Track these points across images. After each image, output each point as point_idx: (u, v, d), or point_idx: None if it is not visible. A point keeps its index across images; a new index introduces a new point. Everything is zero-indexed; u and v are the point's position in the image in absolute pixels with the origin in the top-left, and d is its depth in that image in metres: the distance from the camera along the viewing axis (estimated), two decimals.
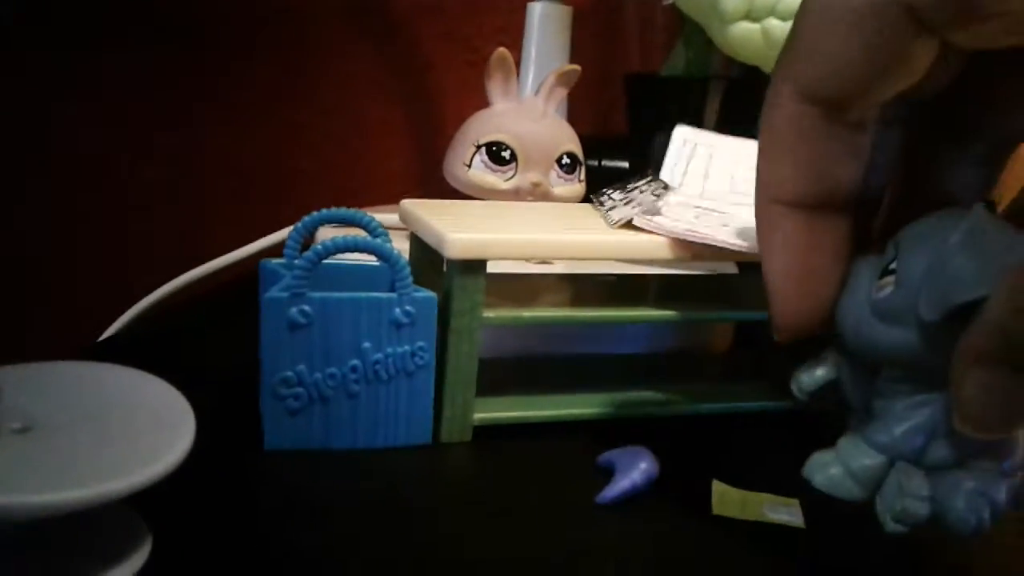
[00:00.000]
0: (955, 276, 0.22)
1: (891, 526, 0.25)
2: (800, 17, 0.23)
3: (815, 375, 0.28)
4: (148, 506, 0.27)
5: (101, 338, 0.48)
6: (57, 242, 0.58)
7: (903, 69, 0.22)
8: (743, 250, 0.35)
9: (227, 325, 0.45)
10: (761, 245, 0.25)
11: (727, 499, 0.32)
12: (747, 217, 0.36)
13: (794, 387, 0.29)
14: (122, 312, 0.49)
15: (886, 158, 0.26)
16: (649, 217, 0.37)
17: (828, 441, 0.36)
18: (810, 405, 0.29)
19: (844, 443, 0.27)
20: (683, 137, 0.42)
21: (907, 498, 0.25)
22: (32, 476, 0.23)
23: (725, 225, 0.37)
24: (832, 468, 0.26)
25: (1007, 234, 0.22)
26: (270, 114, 0.65)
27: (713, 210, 0.39)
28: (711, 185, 0.40)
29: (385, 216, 0.39)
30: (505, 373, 0.40)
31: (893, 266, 0.24)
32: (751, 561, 0.29)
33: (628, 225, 0.37)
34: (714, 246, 0.35)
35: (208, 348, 0.44)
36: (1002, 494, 0.24)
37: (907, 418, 0.25)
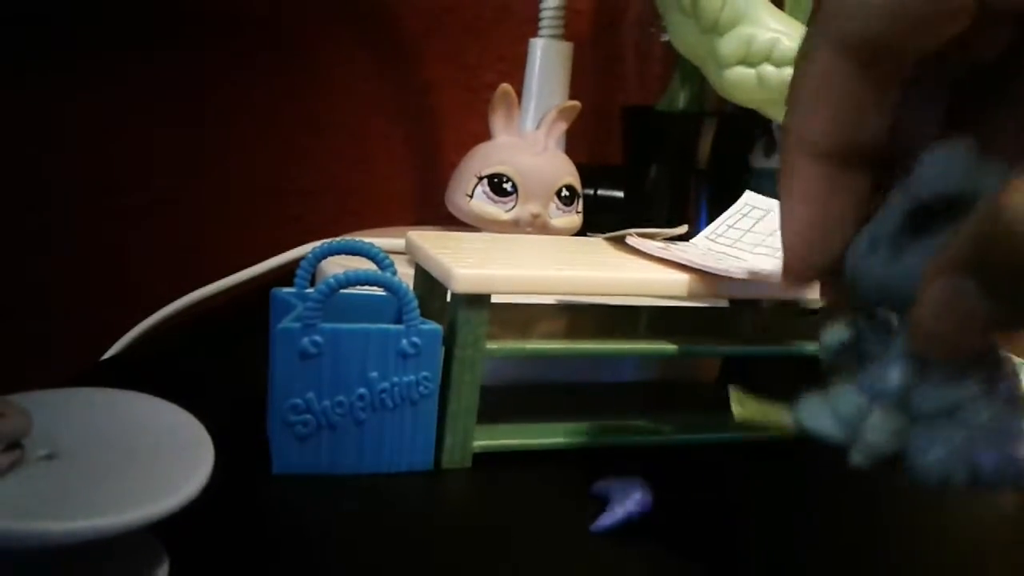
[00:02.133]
0: (928, 174, 0.22)
1: (855, 457, 0.25)
2: None
3: (835, 333, 0.27)
4: (163, 528, 0.28)
5: (104, 357, 0.49)
6: (60, 261, 0.59)
7: (939, 19, 0.22)
8: (734, 276, 0.37)
9: (231, 346, 0.46)
10: (781, 193, 0.25)
11: (747, 405, 0.32)
12: (762, 264, 0.38)
13: (820, 351, 0.28)
14: (125, 332, 0.50)
15: (924, 119, 0.25)
16: (644, 239, 0.39)
17: (818, 472, 0.38)
18: (836, 365, 0.28)
19: (834, 386, 0.27)
20: (746, 201, 0.43)
21: (874, 431, 0.24)
22: (57, 504, 0.24)
23: (736, 261, 0.38)
24: (817, 408, 0.26)
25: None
26: (273, 135, 0.66)
27: (734, 256, 0.40)
28: (747, 238, 0.41)
29: (388, 241, 0.40)
30: (503, 400, 0.41)
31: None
32: None
33: (627, 251, 0.39)
34: (712, 282, 0.37)
35: (212, 370, 0.45)
36: (988, 458, 0.23)
37: (893, 360, 0.25)
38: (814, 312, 0.49)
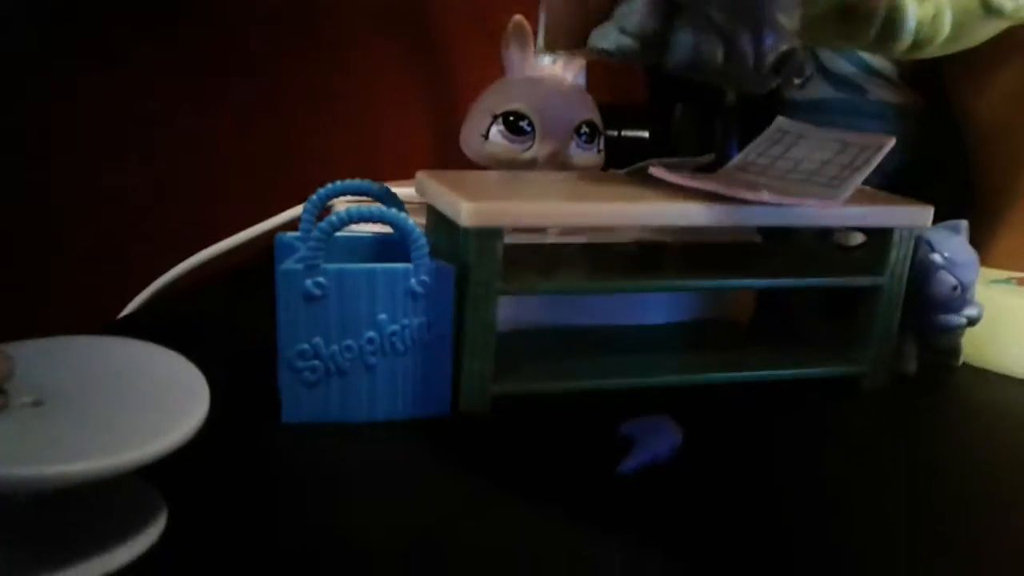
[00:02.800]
0: None
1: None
2: None
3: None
4: (166, 479, 0.27)
5: (120, 316, 0.48)
6: (75, 221, 0.58)
7: None
8: (750, 199, 0.34)
9: (245, 301, 0.45)
10: None
11: None
12: (794, 189, 0.36)
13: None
14: (141, 290, 0.49)
15: None
16: (665, 170, 0.36)
17: (852, 404, 0.36)
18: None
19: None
20: (778, 126, 0.41)
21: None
22: (42, 449, 0.22)
23: (766, 188, 0.36)
24: (610, 32, 0.28)
25: None
26: (287, 92, 0.65)
27: (764, 183, 0.38)
28: (778, 164, 0.39)
29: (401, 190, 0.38)
30: (525, 345, 0.39)
31: None
32: (773, 530, 0.28)
33: (649, 183, 0.37)
34: (739, 209, 0.35)
35: (227, 324, 0.43)
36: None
37: None
38: (853, 247, 0.47)
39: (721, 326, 0.45)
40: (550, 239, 0.45)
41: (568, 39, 0.33)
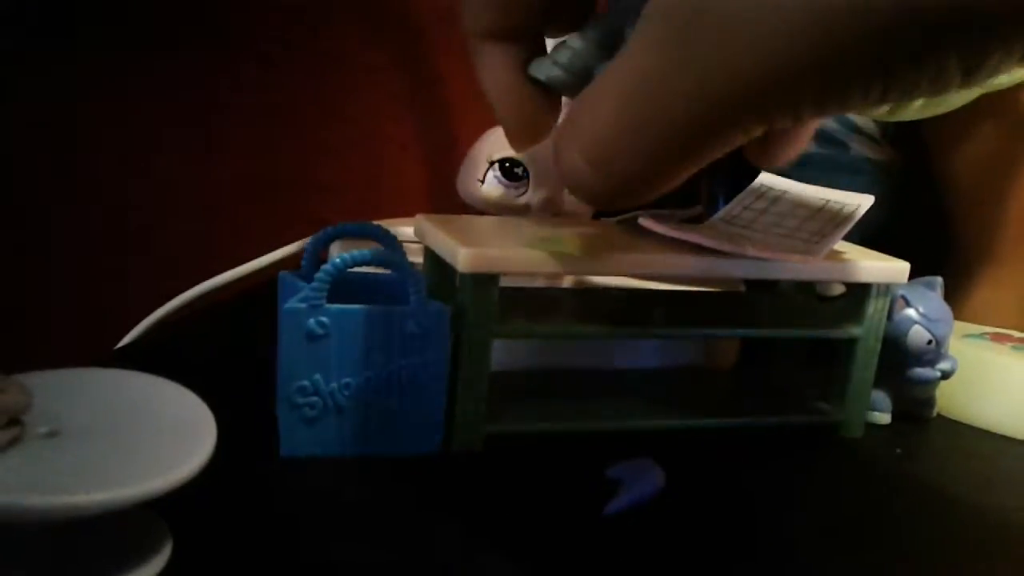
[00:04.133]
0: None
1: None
2: None
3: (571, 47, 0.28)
4: (169, 509, 0.28)
5: (119, 345, 0.49)
6: (78, 248, 0.59)
7: None
8: (748, 256, 0.36)
9: (244, 334, 0.46)
10: (477, 70, 0.27)
11: None
12: (778, 244, 0.37)
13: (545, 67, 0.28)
14: (140, 319, 0.50)
15: None
16: (656, 221, 0.38)
17: (828, 452, 0.37)
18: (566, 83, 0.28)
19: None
20: (763, 182, 0.43)
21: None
22: (58, 479, 0.23)
23: (751, 243, 0.37)
24: (541, 61, 0.28)
25: None
26: (286, 129, 0.66)
27: (748, 237, 0.39)
28: (762, 219, 0.41)
29: (401, 229, 0.40)
30: (517, 385, 0.40)
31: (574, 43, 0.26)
32: (749, 570, 0.30)
33: (639, 233, 0.38)
34: (726, 262, 0.36)
35: (225, 356, 0.44)
36: None
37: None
38: (833, 298, 0.48)
39: (705, 373, 0.46)
40: (540, 282, 0.47)
41: None
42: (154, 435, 0.26)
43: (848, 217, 0.39)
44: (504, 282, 0.35)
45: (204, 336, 0.48)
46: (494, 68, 0.27)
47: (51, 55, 0.57)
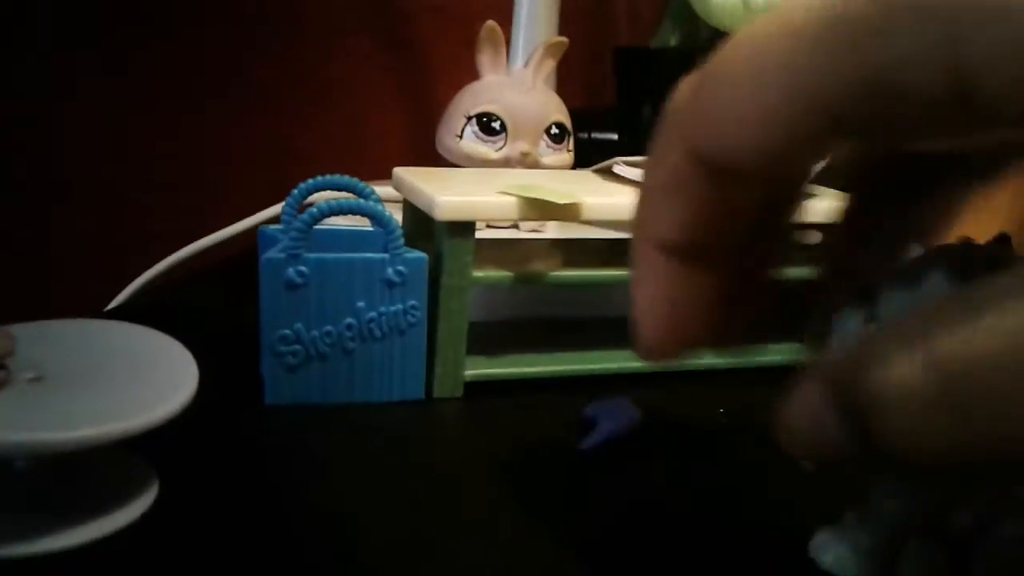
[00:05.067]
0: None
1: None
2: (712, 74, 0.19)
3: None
4: (156, 454, 0.28)
5: (108, 308, 0.49)
6: (66, 215, 0.59)
7: (794, 153, 0.18)
8: None
9: (231, 293, 0.47)
10: (631, 272, 0.23)
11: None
12: None
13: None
14: (126, 284, 0.50)
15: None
16: (629, 168, 0.39)
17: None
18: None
19: (850, 516, 0.25)
20: None
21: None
22: (43, 418, 0.24)
23: None
24: (838, 547, 0.25)
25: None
26: (269, 93, 0.67)
27: None
28: None
29: (381, 189, 0.40)
30: (498, 334, 0.41)
31: (875, 313, 0.21)
32: (727, 507, 0.31)
33: (615, 181, 0.39)
34: None
35: (213, 314, 0.45)
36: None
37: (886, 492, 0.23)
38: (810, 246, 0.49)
39: None
40: (522, 235, 0.48)
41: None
42: (136, 378, 0.27)
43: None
44: (484, 235, 0.36)
45: (192, 297, 0.49)
46: (655, 271, 0.22)
47: (51, 33, 0.57)
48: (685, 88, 0.20)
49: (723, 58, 0.19)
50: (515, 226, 0.49)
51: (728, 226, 0.21)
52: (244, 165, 0.66)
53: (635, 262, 0.23)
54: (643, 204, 0.22)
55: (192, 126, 0.65)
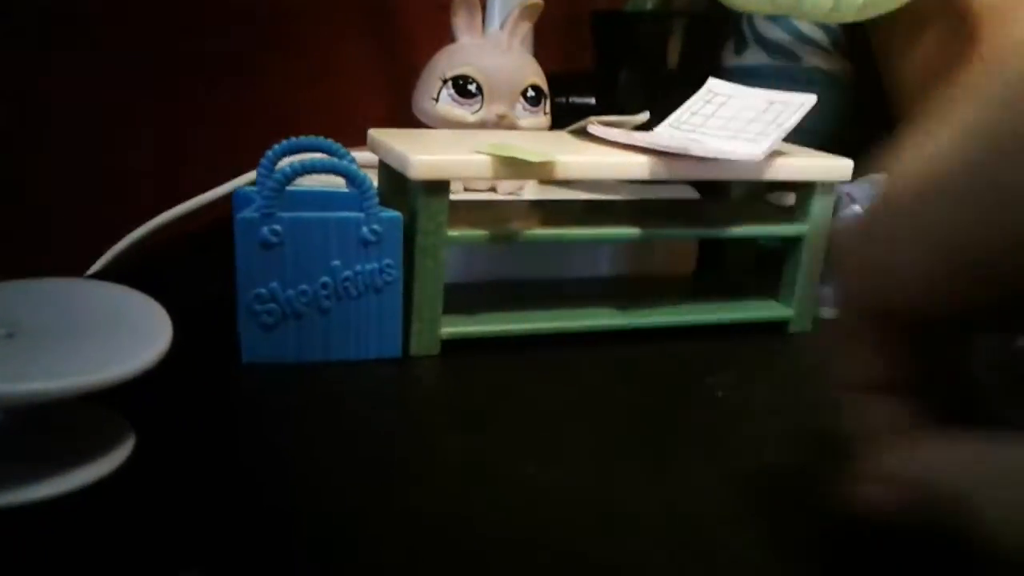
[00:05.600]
0: None
1: None
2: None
3: None
4: (135, 410, 0.29)
5: (88, 273, 0.49)
6: (45, 181, 0.59)
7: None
8: (694, 155, 0.37)
9: (212, 257, 0.47)
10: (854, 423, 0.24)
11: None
12: (724, 145, 0.38)
13: None
14: (104, 251, 0.50)
15: None
16: (606, 128, 0.39)
17: (777, 346, 0.38)
18: None
19: None
20: (710, 87, 0.44)
21: None
22: (16, 370, 0.24)
23: (698, 145, 0.38)
24: None
25: None
26: (247, 59, 0.66)
27: (696, 140, 0.40)
28: (710, 123, 0.42)
29: (358, 154, 0.40)
30: (476, 295, 0.41)
31: None
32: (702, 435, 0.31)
33: (590, 140, 0.39)
34: (672, 163, 0.37)
35: (194, 277, 0.45)
36: None
37: None
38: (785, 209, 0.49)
39: (663, 278, 0.47)
40: (500, 198, 0.48)
41: None
42: (111, 333, 0.27)
43: (790, 116, 0.40)
44: (461, 197, 0.36)
45: (173, 261, 0.49)
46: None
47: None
48: (850, 249, 0.23)
49: (882, 218, 0.22)
50: (493, 190, 0.49)
51: (917, 363, 0.23)
52: (223, 131, 0.66)
53: (857, 414, 0.24)
54: (845, 359, 0.24)
55: (171, 93, 0.65)
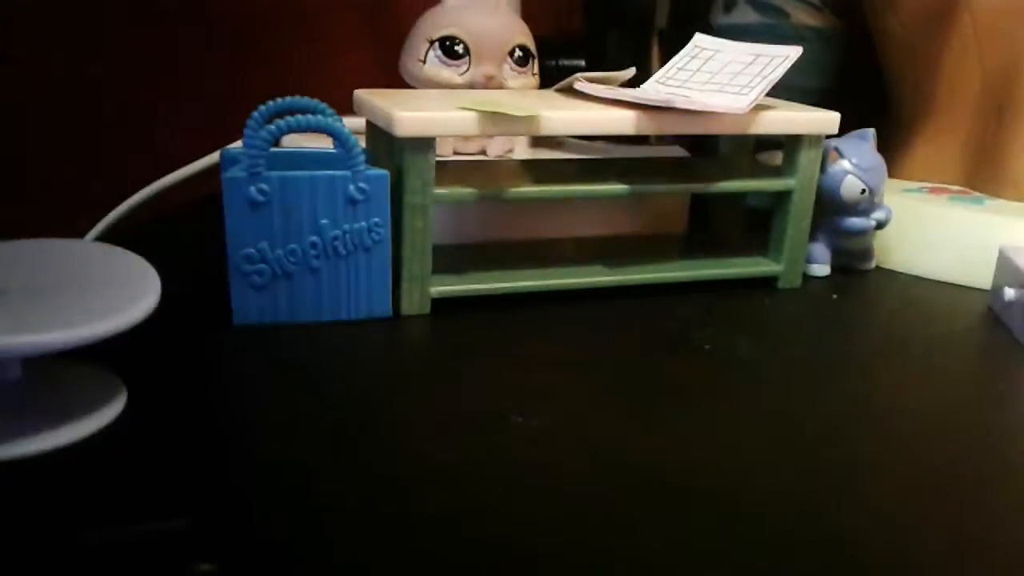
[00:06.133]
0: None
1: None
2: None
3: None
4: (128, 370, 0.29)
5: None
6: (38, 147, 0.59)
7: None
8: (662, 105, 0.37)
9: (206, 223, 0.47)
10: None
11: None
12: (710, 99, 0.38)
13: None
14: (99, 219, 0.50)
15: None
16: (590, 84, 0.39)
17: (766, 301, 0.38)
18: None
19: None
20: (696, 43, 0.43)
21: None
22: (8, 326, 0.25)
23: (684, 99, 0.38)
24: None
25: None
26: (236, 28, 0.66)
27: (682, 95, 0.40)
28: (696, 78, 0.41)
29: (349, 121, 0.40)
30: (466, 256, 0.42)
31: None
32: (686, 392, 0.31)
33: (577, 97, 0.39)
34: (658, 116, 0.37)
35: (189, 243, 0.45)
36: None
37: None
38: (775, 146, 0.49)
39: (653, 238, 0.47)
40: (490, 159, 0.48)
41: None
42: (100, 289, 0.27)
43: (776, 68, 0.40)
44: (451, 158, 0.36)
45: (168, 228, 0.49)
46: None
47: None
48: None
49: None
50: (483, 153, 0.49)
51: None
52: (216, 101, 0.65)
53: None
54: None
55: (165, 65, 0.64)
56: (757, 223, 0.45)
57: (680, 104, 0.37)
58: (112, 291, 0.27)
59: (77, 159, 0.60)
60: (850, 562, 0.23)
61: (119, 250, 0.30)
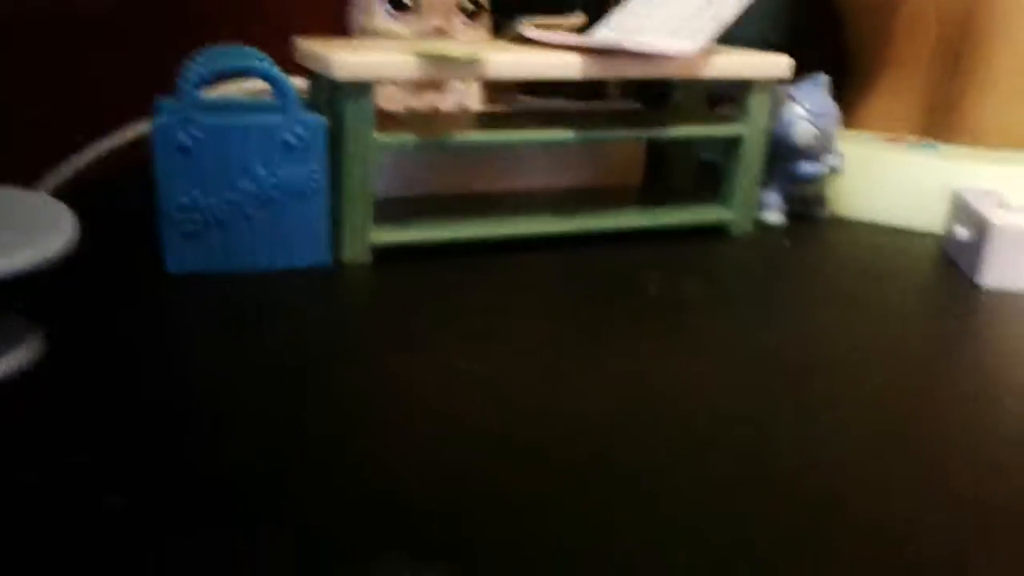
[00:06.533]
0: None
1: None
2: None
3: None
4: (50, 315, 0.28)
5: None
6: None
7: None
8: (610, 48, 0.36)
9: (138, 182, 0.46)
10: None
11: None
12: (660, 43, 0.37)
13: None
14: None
15: None
16: (538, 30, 0.38)
17: (718, 248, 0.38)
18: None
19: None
20: None
21: None
22: None
23: (634, 44, 0.37)
24: None
25: None
26: None
27: (631, 37, 0.39)
28: (647, 22, 0.41)
29: (296, 81, 0.39)
30: (408, 207, 0.41)
31: None
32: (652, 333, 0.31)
33: (526, 44, 0.38)
34: (606, 59, 0.37)
35: (128, 195, 0.44)
36: None
37: None
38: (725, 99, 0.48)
39: (608, 189, 0.47)
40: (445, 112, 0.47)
41: None
42: (11, 230, 0.26)
43: (728, 10, 0.39)
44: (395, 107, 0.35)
45: (105, 181, 0.48)
46: None
47: None
48: None
49: None
50: (436, 111, 0.48)
51: None
52: (149, 44, 0.64)
53: None
54: None
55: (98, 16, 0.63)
56: (714, 178, 0.45)
57: (629, 46, 0.36)
58: (25, 231, 0.26)
59: (18, 118, 0.59)
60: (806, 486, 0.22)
61: (31, 192, 0.29)
